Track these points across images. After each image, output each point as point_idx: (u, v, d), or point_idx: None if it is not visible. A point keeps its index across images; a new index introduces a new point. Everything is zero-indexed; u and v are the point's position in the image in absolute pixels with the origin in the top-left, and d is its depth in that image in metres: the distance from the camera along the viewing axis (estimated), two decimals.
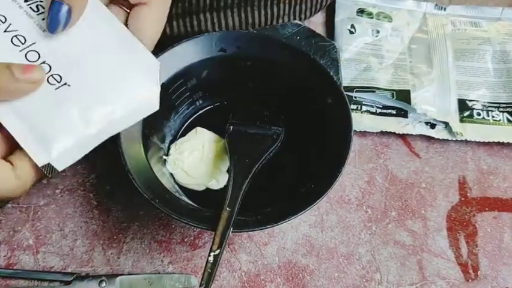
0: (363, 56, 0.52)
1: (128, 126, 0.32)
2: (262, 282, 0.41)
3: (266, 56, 0.42)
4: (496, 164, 0.48)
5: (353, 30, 0.54)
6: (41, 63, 0.30)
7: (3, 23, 0.30)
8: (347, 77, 0.50)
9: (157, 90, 0.33)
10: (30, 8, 0.31)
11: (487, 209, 0.45)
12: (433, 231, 0.44)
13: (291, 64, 0.42)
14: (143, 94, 0.32)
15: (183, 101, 0.44)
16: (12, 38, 0.30)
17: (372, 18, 0.55)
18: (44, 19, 0.31)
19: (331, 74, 0.41)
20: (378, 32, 0.54)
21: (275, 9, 0.50)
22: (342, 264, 0.42)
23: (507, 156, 0.48)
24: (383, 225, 0.44)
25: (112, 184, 0.45)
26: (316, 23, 0.56)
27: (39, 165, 0.29)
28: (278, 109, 0.44)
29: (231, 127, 0.42)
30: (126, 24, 0.34)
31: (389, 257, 0.42)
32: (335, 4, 0.56)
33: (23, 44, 0.30)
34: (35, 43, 0.30)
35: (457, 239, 0.43)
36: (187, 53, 0.40)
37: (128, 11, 0.34)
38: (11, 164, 0.29)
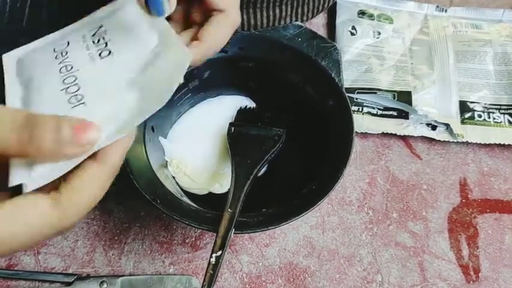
0: (365, 57, 0.52)
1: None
2: (264, 283, 0.41)
3: (268, 57, 0.42)
4: (496, 166, 0.48)
5: (354, 31, 0.54)
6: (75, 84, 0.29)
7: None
8: (348, 78, 0.50)
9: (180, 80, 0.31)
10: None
11: (488, 210, 0.45)
12: (434, 233, 0.44)
13: (293, 65, 0.42)
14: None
15: (185, 102, 0.44)
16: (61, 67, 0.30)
17: (373, 20, 0.55)
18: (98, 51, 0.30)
19: (332, 75, 0.41)
20: (379, 33, 0.54)
21: (277, 11, 0.50)
22: (343, 265, 0.42)
23: (508, 158, 0.48)
24: (384, 227, 0.44)
25: (113, 185, 0.45)
26: (317, 24, 0.56)
27: None
28: (279, 110, 0.44)
29: (233, 128, 0.42)
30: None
31: (390, 258, 0.42)
32: (336, 6, 0.56)
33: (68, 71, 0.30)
34: (79, 70, 0.30)
35: (458, 241, 0.43)
36: None
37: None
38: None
